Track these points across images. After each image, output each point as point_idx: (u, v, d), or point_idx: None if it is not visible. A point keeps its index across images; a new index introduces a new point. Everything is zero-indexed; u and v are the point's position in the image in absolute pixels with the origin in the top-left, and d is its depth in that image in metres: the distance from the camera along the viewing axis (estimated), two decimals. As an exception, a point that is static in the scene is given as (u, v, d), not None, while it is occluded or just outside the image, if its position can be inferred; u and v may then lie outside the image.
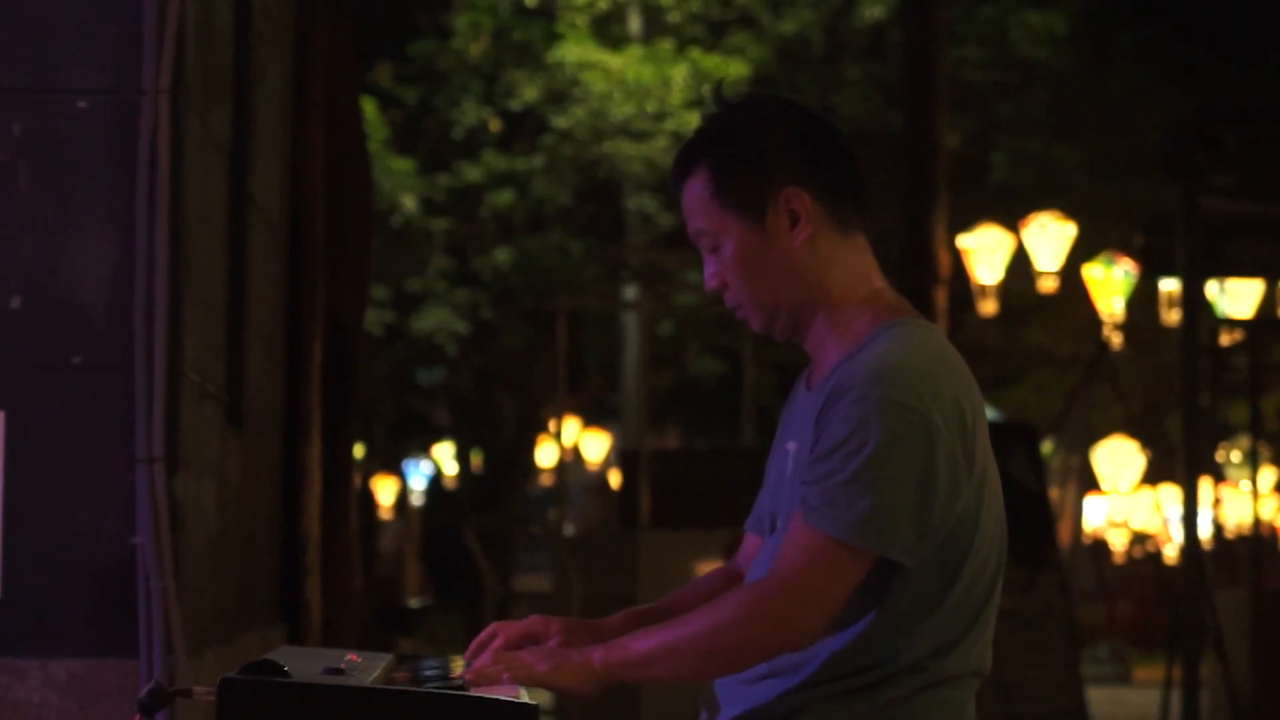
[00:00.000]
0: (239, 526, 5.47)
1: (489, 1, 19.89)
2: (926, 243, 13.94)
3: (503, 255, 20.01)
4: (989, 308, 14.97)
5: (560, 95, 19.63)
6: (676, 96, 19.27)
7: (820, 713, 2.57)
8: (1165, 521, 21.61)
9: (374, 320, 18.72)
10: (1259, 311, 13.93)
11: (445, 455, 30.50)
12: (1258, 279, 13.79)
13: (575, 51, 19.41)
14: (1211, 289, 13.33)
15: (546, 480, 31.88)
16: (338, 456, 7.04)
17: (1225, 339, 13.16)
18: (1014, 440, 10.12)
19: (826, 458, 2.52)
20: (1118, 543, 29.42)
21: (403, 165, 19.53)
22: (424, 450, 30.00)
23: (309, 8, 6.76)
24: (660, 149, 19.05)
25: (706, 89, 2.75)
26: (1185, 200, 9.73)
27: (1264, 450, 17.75)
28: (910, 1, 14.93)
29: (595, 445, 27.73)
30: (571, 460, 25.50)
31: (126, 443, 4.34)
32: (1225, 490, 18.53)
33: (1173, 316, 13.05)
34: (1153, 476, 22.02)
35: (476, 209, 20.09)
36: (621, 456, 16.63)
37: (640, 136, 19.39)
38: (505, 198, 19.80)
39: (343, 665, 2.50)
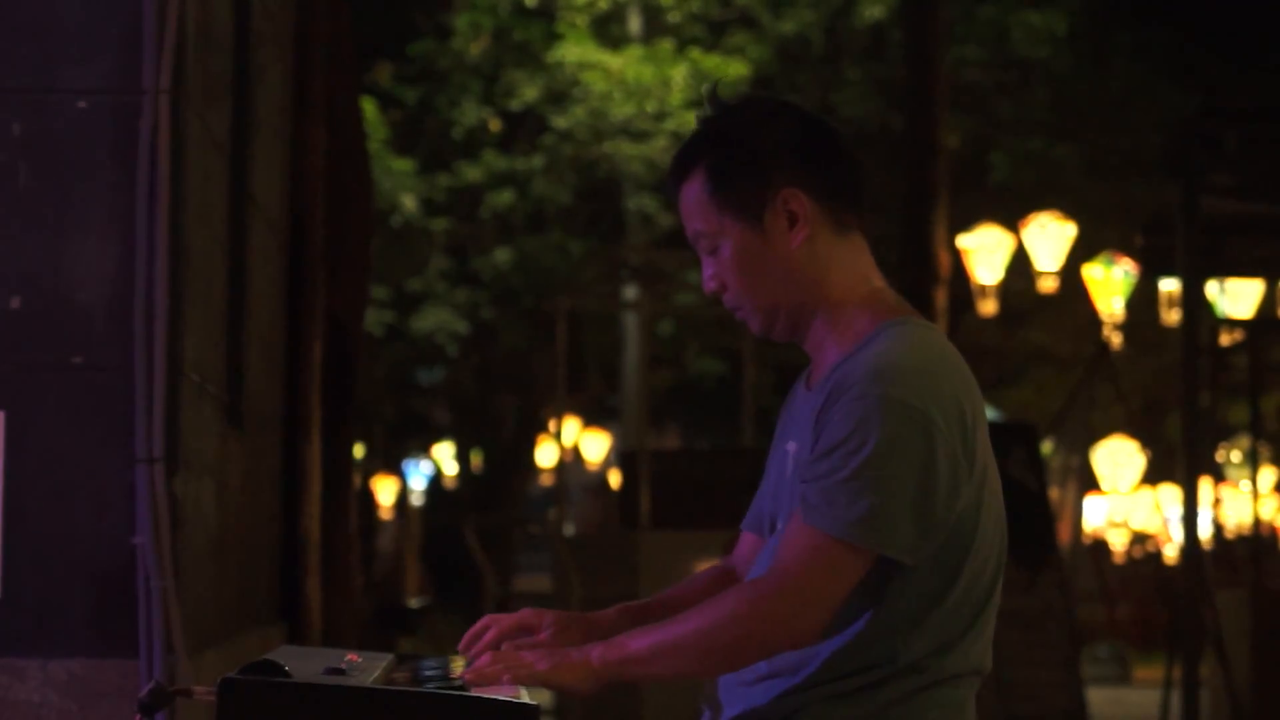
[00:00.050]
0: (239, 526, 5.47)
1: (489, 1, 19.87)
2: (926, 243, 13.94)
3: (503, 255, 20.01)
4: (989, 308, 14.96)
5: (560, 95, 19.62)
6: (676, 96, 19.25)
7: (820, 713, 2.57)
8: (1165, 521, 21.57)
9: (374, 320, 18.71)
10: (1259, 311, 13.92)
11: (445, 455, 30.46)
12: (1258, 279, 13.78)
13: (575, 51, 19.40)
14: (1211, 289, 13.32)
15: (546, 480, 31.83)
16: (338, 457, 7.05)
17: (1225, 339, 13.15)
18: (1014, 440, 10.13)
19: (826, 456, 2.52)
20: (1118, 543, 29.38)
21: (403, 165, 19.52)
22: (424, 450, 29.97)
23: (309, 8, 6.76)
24: (660, 149, 19.03)
25: (705, 89, 2.75)
26: (1185, 200, 9.73)
27: (1264, 450, 17.72)
28: (910, 1, 14.93)
29: (595, 445, 27.70)
30: (571, 460, 25.46)
31: (126, 443, 4.34)
32: (1225, 490, 18.47)
33: (1173, 316, 13.05)
34: (1153, 476, 21.97)
35: (476, 209, 20.09)
36: (621, 456, 16.60)
37: (640, 136, 19.38)
38: (505, 198, 19.79)
39: (343, 665, 2.50)
